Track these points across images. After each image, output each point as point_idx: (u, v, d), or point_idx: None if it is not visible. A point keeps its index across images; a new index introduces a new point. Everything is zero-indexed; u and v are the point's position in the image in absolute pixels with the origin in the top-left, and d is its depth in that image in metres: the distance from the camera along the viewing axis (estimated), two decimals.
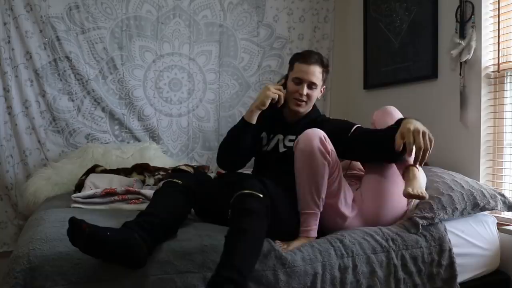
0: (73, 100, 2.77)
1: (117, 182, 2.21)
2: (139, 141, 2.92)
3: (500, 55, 2.19)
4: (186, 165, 1.88)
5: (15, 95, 2.62)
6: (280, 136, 1.92)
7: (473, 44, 2.22)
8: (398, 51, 2.80)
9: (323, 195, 1.67)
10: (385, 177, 1.81)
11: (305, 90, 1.85)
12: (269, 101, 1.85)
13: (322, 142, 1.65)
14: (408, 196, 1.63)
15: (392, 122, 1.77)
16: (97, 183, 2.18)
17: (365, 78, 3.14)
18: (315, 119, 1.94)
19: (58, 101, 2.73)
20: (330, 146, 1.68)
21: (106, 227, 1.39)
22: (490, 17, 2.23)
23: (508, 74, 2.19)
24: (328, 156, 1.66)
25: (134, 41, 2.89)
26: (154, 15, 2.93)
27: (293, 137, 1.86)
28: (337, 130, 1.82)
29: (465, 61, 2.28)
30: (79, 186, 2.23)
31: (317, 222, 1.69)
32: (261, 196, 1.49)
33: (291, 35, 3.27)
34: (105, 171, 2.38)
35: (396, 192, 1.77)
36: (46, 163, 2.64)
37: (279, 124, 1.95)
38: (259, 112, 1.87)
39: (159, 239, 1.48)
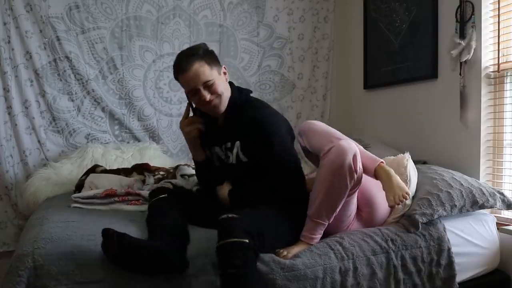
0: (73, 100, 2.77)
1: (117, 182, 2.20)
2: (139, 141, 2.92)
3: (500, 55, 2.19)
4: (166, 181, 1.93)
5: (15, 95, 2.61)
6: (217, 148, 1.80)
7: (473, 44, 2.22)
8: (398, 51, 2.81)
9: (337, 211, 1.64)
10: (368, 182, 1.76)
11: (206, 95, 1.64)
12: (195, 138, 1.76)
13: (354, 159, 1.56)
14: (393, 207, 1.62)
15: (317, 140, 1.67)
16: (96, 183, 2.17)
17: (365, 78, 3.14)
18: (238, 114, 1.73)
19: (58, 101, 2.73)
20: (359, 164, 1.60)
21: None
22: (490, 17, 2.23)
23: (508, 74, 2.19)
24: (355, 175, 1.58)
25: (134, 41, 2.89)
26: (154, 15, 2.93)
27: (228, 145, 1.75)
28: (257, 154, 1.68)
29: (465, 61, 2.28)
30: (79, 187, 2.23)
31: (322, 232, 1.67)
32: (247, 241, 1.39)
33: (291, 35, 3.27)
34: (105, 171, 2.38)
35: (381, 195, 1.75)
36: (46, 163, 2.64)
37: (213, 135, 1.80)
38: (198, 147, 1.79)
39: (184, 246, 1.50)
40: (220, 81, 1.68)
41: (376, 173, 1.65)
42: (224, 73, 1.73)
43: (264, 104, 1.82)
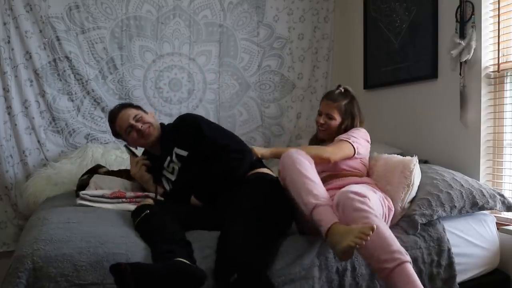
0: (72, 100, 2.77)
1: (121, 185, 2.19)
2: None
3: (500, 55, 2.19)
4: (146, 195, 2.02)
5: (15, 95, 2.61)
6: (164, 172, 2.04)
7: (473, 44, 2.22)
8: (398, 51, 2.80)
9: (317, 188, 1.59)
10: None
11: (138, 125, 2.00)
12: (145, 176, 2.07)
13: (300, 152, 1.72)
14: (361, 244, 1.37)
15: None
16: (100, 184, 2.15)
17: (365, 78, 3.13)
18: (169, 132, 2.06)
19: (58, 101, 2.73)
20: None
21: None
22: (490, 17, 2.23)
23: (508, 74, 2.19)
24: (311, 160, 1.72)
25: (134, 41, 2.89)
26: (154, 15, 2.93)
27: (168, 159, 1.99)
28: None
29: (465, 61, 2.28)
30: (83, 186, 2.20)
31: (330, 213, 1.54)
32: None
33: (291, 35, 3.27)
34: (108, 172, 2.35)
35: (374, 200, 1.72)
36: (45, 163, 2.64)
37: (158, 166, 2.05)
38: (152, 184, 2.06)
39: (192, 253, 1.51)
40: (148, 116, 2.07)
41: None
42: (152, 116, 2.12)
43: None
